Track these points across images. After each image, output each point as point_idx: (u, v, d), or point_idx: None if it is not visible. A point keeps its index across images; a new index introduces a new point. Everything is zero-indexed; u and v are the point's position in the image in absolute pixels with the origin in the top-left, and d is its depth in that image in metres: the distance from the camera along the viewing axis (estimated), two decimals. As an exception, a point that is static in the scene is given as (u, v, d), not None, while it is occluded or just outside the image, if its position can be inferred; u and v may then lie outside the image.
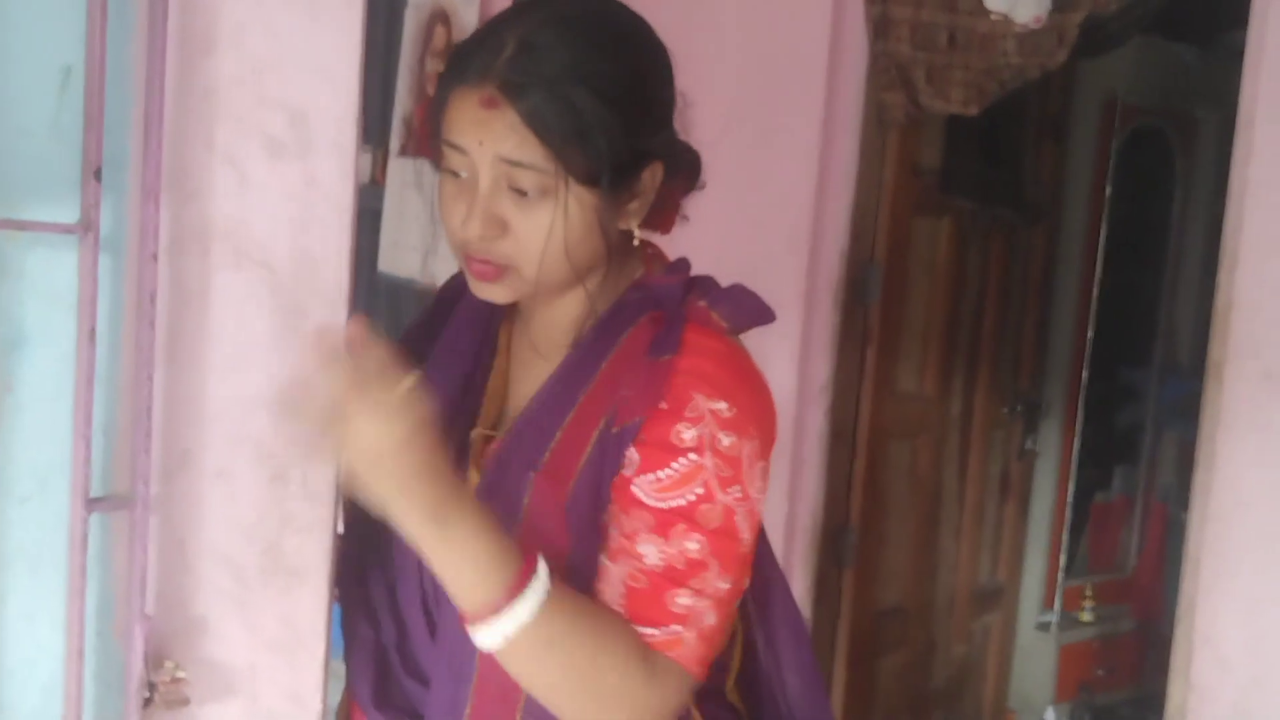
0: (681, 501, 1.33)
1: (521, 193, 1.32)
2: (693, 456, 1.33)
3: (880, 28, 3.24)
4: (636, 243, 1.46)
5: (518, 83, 1.30)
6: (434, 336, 1.56)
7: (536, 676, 1.33)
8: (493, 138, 1.30)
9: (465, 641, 1.37)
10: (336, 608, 1.46)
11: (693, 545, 1.33)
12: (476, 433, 1.47)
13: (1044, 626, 4.55)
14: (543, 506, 1.36)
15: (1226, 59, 4.40)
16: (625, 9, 1.42)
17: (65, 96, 1.27)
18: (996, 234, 4.11)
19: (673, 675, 1.34)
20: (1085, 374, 4.49)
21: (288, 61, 1.36)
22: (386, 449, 1.23)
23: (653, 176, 1.41)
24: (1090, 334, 4.45)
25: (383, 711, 1.49)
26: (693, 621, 1.34)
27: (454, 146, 1.33)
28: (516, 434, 1.41)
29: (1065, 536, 4.54)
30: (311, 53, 1.37)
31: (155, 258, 1.29)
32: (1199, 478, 2.42)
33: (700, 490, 1.33)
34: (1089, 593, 4.66)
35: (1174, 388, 4.71)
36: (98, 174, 1.25)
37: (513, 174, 1.32)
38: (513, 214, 1.33)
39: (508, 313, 1.54)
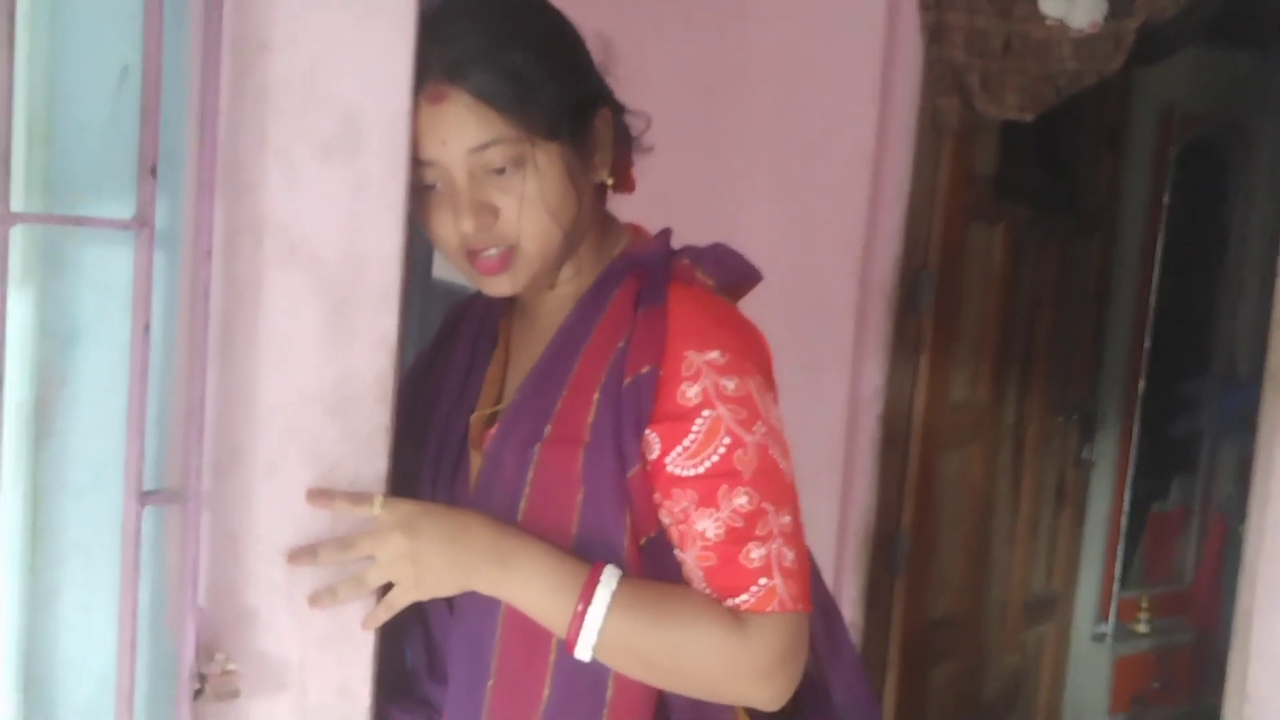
0: (715, 458, 1.35)
1: (498, 171, 1.38)
2: (706, 413, 1.35)
3: (935, 33, 3.22)
4: (610, 189, 1.51)
5: (456, 65, 1.37)
6: (438, 355, 1.60)
7: (636, 668, 1.38)
8: (454, 132, 1.36)
9: (483, 643, 1.41)
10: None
11: (741, 500, 1.35)
12: (476, 416, 1.49)
13: (1099, 638, 4.51)
14: (552, 475, 1.39)
15: (1285, 66, 4.37)
16: None
17: (122, 94, 1.29)
18: (1052, 242, 4.08)
19: (777, 626, 1.37)
20: (1142, 383, 4.45)
21: (341, 61, 1.37)
22: (415, 550, 1.37)
23: (604, 122, 1.47)
24: (1147, 343, 4.42)
25: (401, 707, 1.50)
26: (774, 568, 1.36)
27: (421, 162, 1.38)
28: (516, 409, 1.44)
29: (1121, 547, 4.50)
30: (364, 52, 1.38)
31: (209, 254, 1.31)
32: (1256, 488, 2.40)
33: (728, 440, 1.35)
34: (1145, 604, 4.61)
35: (1232, 398, 4.65)
36: (153, 171, 1.26)
37: (484, 158, 1.37)
38: (496, 195, 1.38)
39: (504, 309, 1.57)
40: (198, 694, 1.35)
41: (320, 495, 1.38)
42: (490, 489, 1.43)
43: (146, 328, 1.28)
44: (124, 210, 1.27)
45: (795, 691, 1.53)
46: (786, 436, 1.43)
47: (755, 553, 1.35)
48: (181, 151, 1.32)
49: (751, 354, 1.42)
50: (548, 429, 1.40)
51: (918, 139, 3.36)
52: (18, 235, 1.24)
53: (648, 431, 1.37)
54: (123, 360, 1.29)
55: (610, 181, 1.50)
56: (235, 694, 1.37)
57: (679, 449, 1.36)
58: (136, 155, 1.27)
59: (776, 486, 1.38)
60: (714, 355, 1.37)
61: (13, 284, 1.23)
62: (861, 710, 1.60)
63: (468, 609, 1.44)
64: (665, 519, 1.40)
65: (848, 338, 3.33)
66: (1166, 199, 4.37)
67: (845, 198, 3.31)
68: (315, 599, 1.39)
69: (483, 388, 1.53)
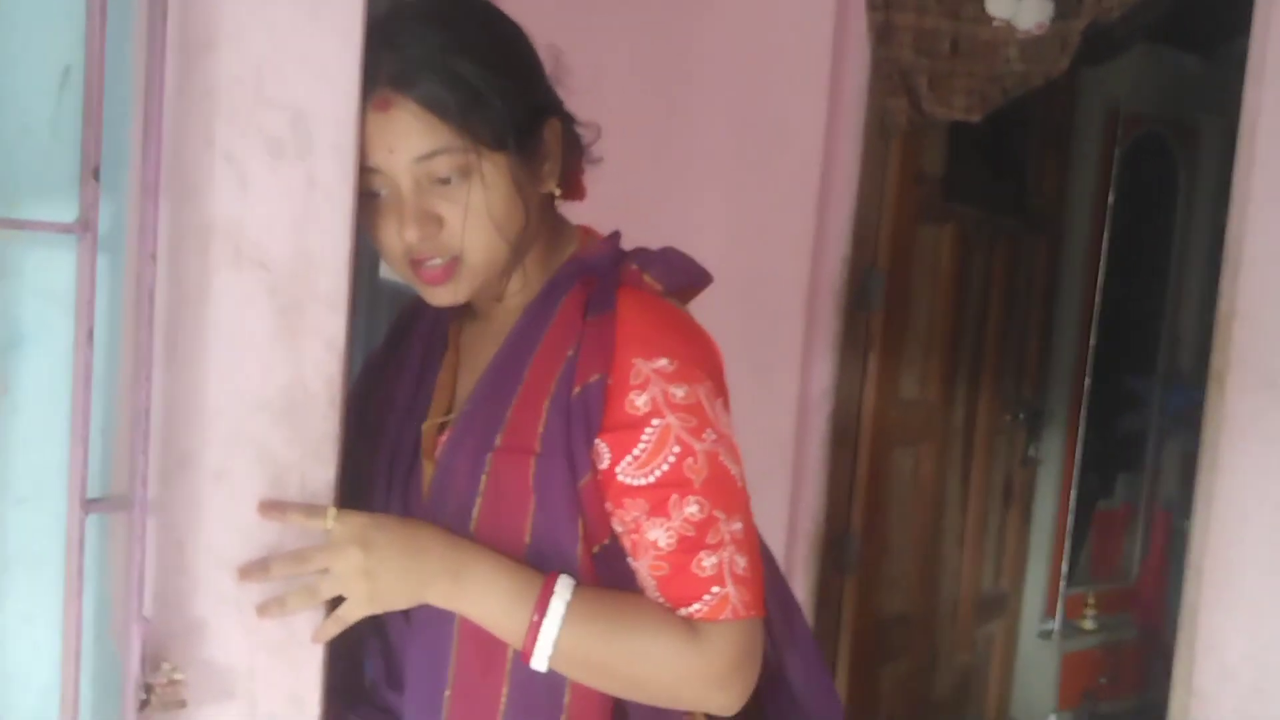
0: (665, 467, 1.35)
1: (443, 181, 1.37)
2: (655, 421, 1.35)
3: (883, 34, 3.24)
4: (559, 199, 1.51)
5: (403, 73, 1.35)
6: (391, 357, 1.59)
7: (593, 677, 1.39)
8: (400, 140, 1.35)
9: (439, 653, 1.40)
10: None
11: (692, 509, 1.35)
12: (428, 424, 1.49)
13: (1046, 635, 4.55)
14: (503, 484, 1.38)
15: (1229, 67, 4.41)
16: None
17: (64, 96, 1.26)
18: (1000, 242, 4.11)
19: (730, 634, 1.37)
20: (1088, 382, 4.49)
21: (288, 61, 1.35)
22: (368, 565, 1.36)
23: (553, 133, 1.46)
24: (1093, 342, 4.46)
25: (360, 714, 1.49)
26: (725, 575, 1.36)
27: (368, 169, 1.38)
28: (467, 417, 1.43)
29: (1068, 545, 4.54)
30: (312, 53, 1.36)
31: (154, 258, 1.29)
32: (1201, 486, 2.42)
33: (677, 449, 1.35)
34: (1091, 601, 4.65)
35: (1177, 396, 4.70)
36: (96, 173, 1.24)
37: (430, 167, 1.36)
38: (441, 205, 1.37)
39: (455, 313, 1.56)
40: (144, 704, 1.33)
41: (272, 507, 1.36)
42: (443, 497, 1.42)
43: (90, 333, 1.26)
44: (66, 213, 1.25)
45: (758, 694, 1.53)
46: (737, 441, 1.43)
47: (707, 561, 1.36)
48: (125, 153, 1.30)
49: (701, 360, 1.41)
50: (498, 438, 1.39)
51: (866, 139, 3.37)
52: (-43, 239, 1.22)
53: (597, 441, 1.37)
54: (66, 366, 1.27)
55: (558, 192, 1.49)
56: (182, 704, 1.35)
57: (629, 458, 1.36)
58: (79, 157, 1.25)
59: (727, 493, 1.38)
60: (662, 363, 1.37)
61: (-48, 289, 1.21)
62: (821, 697, 1.60)
63: (424, 620, 1.43)
64: (618, 527, 1.39)
65: (797, 337, 3.33)
66: (1112, 198, 4.41)
67: (794, 198, 3.32)
68: (264, 609, 1.37)
69: (434, 394, 1.52)
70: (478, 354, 1.52)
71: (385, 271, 3.60)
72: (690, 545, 1.35)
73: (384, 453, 1.50)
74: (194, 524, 1.36)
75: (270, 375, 1.39)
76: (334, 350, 1.42)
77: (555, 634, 1.33)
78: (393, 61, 1.36)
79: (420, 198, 1.37)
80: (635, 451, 1.36)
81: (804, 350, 3.35)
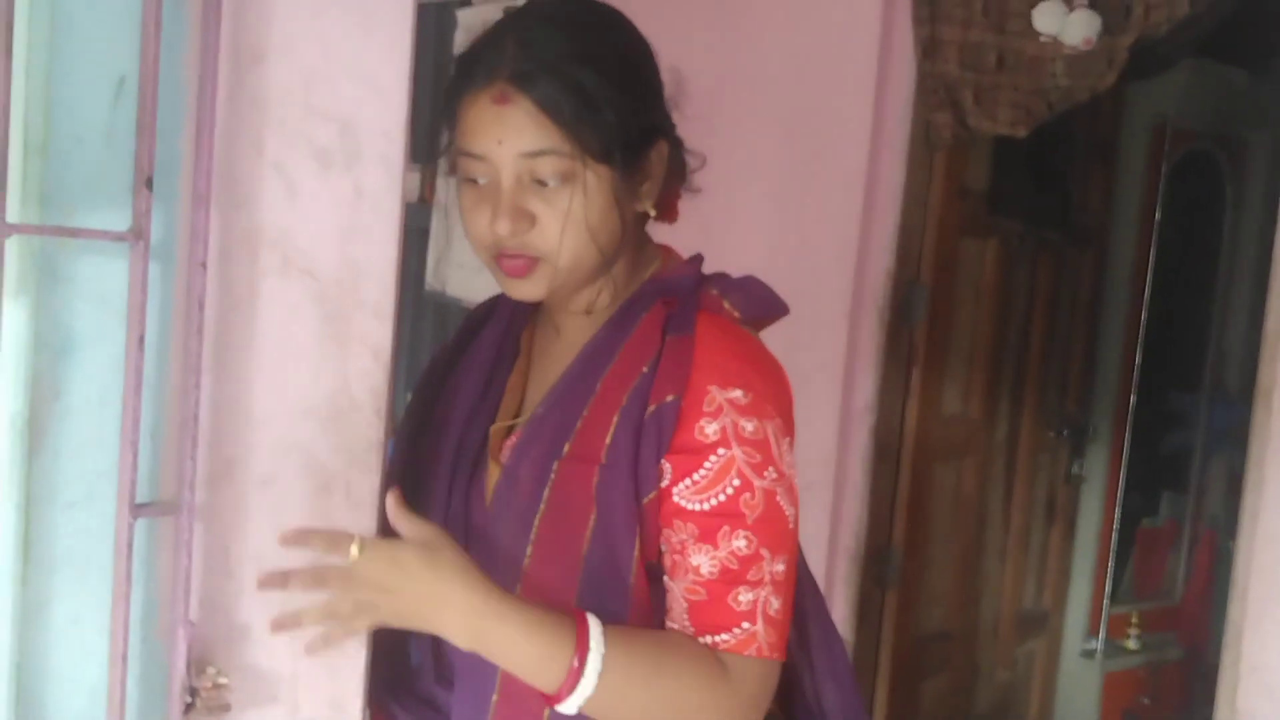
0: (722, 497, 1.35)
1: (543, 183, 1.38)
2: (721, 451, 1.35)
3: (929, 48, 3.23)
4: (651, 218, 1.51)
5: (526, 72, 1.36)
6: (460, 356, 1.59)
7: (624, 716, 1.36)
8: (511, 134, 1.36)
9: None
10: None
11: (740, 544, 1.35)
12: (496, 426, 1.49)
13: (1089, 653, 4.51)
14: (568, 493, 1.39)
15: (1277, 82, 4.38)
16: (603, 4, 1.49)
17: (119, 105, 1.28)
18: (1044, 257, 4.09)
19: (752, 670, 1.37)
20: (1133, 399, 4.45)
21: (338, 72, 1.37)
22: (385, 606, 1.32)
23: (659, 156, 1.47)
24: (1138, 359, 4.42)
25: (407, 709, 1.50)
26: (758, 614, 1.37)
27: (472, 155, 1.39)
28: (537, 421, 1.44)
29: (1111, 563, 4.50)
30: (361, 65, 1.38)
31: (204, 265, 1.30)
32: (1247, 504, 2.40)
33: (737, 482, 1.35)
34: (1135, 620, 4.61)
35: (1223, 413, 4.66)
36: (149, 182, 1.26)
37: (533, 166, 1.37)
38: (537, 205, 1.38)
39: (530, 317, 1.57)
40: (189, 708, 1.34)
41: (297, 535, 1.33)
42: (507, 500, 1.42)
43: (141, 339, 1.27)
44: (119, 222, 1.27)
45: (788, 706, 1.53)
46: (797, 481, 1.43)
47: (744, 596, 1.36)
48: (177, 162, 1.31)
49: (774, 396, 1.42)
50: (567, 447, 1.40)
51: (910, 153, 3.36)
52: (13, 246, 1.23)
53: (662, 460, 1.37)
54: (117, 372, 1.29)
55: (653, 212, 1.49)
56: (226, 708, 1.37)
57: (688, 481, 1.36)
58: (132, 166, 1.27)
59: (777, 534, 1.38)
60: (736, 394, 1.37)
61: (7, 295, 1.23)
62: (849, 708, 1.60)
63: None
64: (662, 546, 1.40)
65: (840, 351, 3.33)
66: (1158, 214, 4.38)
67: (838, 211, 3.31)
68: (278, 624, 1.34)
69: (503, 397, 1.53)
70: (550, 362, 1.52)
71: (430, 282, 3.62)
72: (731, 578, 1.36)
73: (447, 450, 1.51)
74: (240, 529, 1.38)
75: (316, 383, 1.40)
76: (380, 359, 1.43)
77: (590, 691, 1.31)
78: (518, 58, 1.37)
79: (518, 193, 1.39)
80: (695, 476, 1.36)
81: (846, 364, 3.34)
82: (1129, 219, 4.42)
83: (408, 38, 1.39)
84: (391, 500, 1.34)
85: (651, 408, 1.37)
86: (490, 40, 1.41)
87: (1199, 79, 4.36)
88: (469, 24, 3.33)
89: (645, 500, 1.37)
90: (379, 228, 1.41)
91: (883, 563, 3.53)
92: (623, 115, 1.39)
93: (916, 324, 3.48)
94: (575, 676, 1.31)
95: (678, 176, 1.53)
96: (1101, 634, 4.51)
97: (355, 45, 1.38)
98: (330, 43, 1.36)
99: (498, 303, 1.63)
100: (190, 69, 1.30)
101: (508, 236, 1.38)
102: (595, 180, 1.39)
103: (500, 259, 1.41)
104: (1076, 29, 3.03)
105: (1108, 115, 4.25)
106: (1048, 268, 4.12)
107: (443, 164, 1.48)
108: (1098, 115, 4.14)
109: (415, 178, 3.36)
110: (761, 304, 1.52)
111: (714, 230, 1.61)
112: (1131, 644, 4.60)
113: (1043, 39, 3.09)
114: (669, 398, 1.37)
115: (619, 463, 1.37)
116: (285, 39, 1.34)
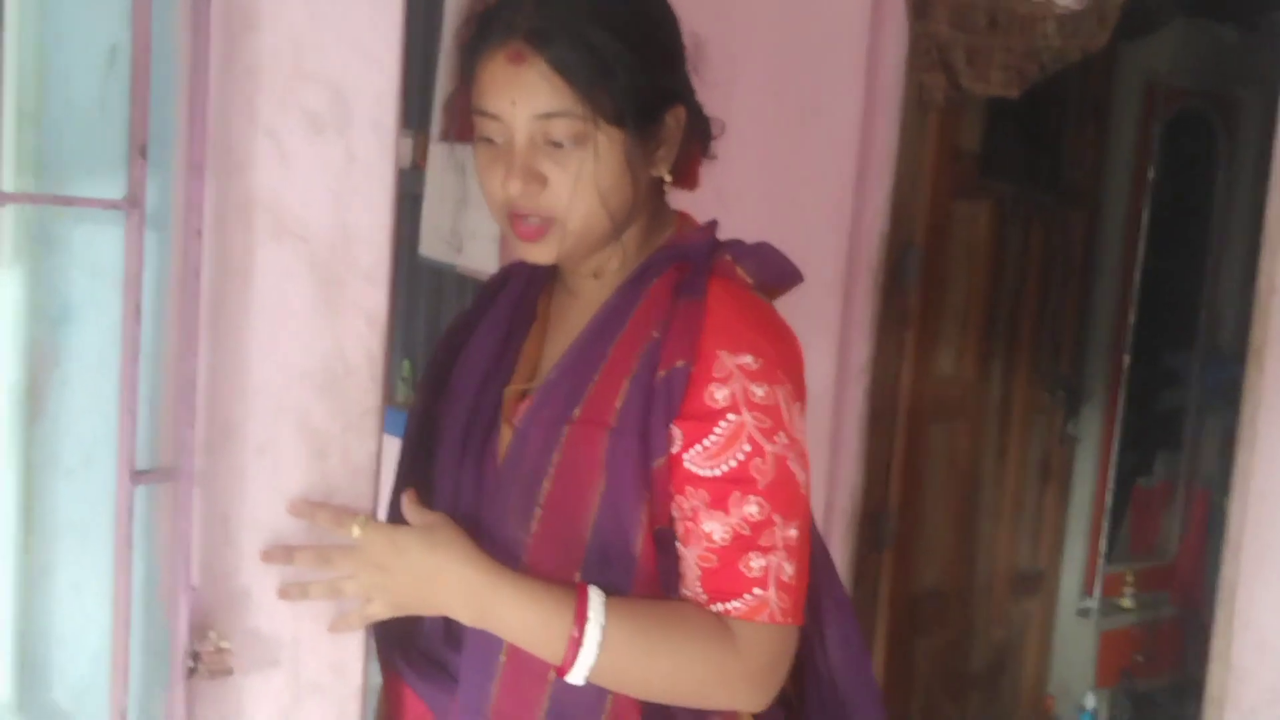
0: (733, 463, 1.35)
1: (557, 145, 1.38)
2: (731, 416, 1.35)
3: (920, 9, 3.23)
4: (667, 188, 1.51)
5: (542, 30, 1.35)
6: (477, 321, 1.60)
7: (631, 687, 1.39)
8: (525, 94, 1.36)
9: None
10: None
11: (752, 509, 1.36)
12: (510, 389, 1.50)
13: (1084, 612, 4.53)
14: (577, 457, 1.39)
15: (1270, 39, 4.37)
16: None
17: (112, 74, 1.28)
18: (1037, 217, 4.09)
19: (763, 637, 1.38)
20: (1126, 359, 4.46)
21: (329, 37, 1.37)
22: (388, 584, 1.40)
23: (676, 120, 1.46)
24: (1132, 318, 4.42)
25: (416, 669, 1.51)
26: (770, 580, 1.37)
27: (487, 114, 1.39)
28: (550, 386, 1.44)
29: (1106, 522, 4.52)
30: (352, 29, 1.38)
31: (199, 233, 1.31)
32: (1240, 462, 2.42)
33: (748, 448, 1.35)
34: (1130, 579, 4.63)
35: (1216, 372, 4.67)
36: (143, 150, 1.26)
37: (547, 127, 1.37)
38: (550, 167, 1.38)
39: (545, 284, 1.57)
40: (191, 672, 1.35)
41: (303, 507, 1.40)
42: (517, 463, 1.43)
43: (137, 307, 1.28)
44: (114, 190, 1.27)
45: (799, 677, 1.54)
46: (808, 445, 1.43)
47: (755, 562, 1.36)
48: (171, 131, 1.31)
49: (785, 362, 1.42)
50: (577, 411, 1.40)
51: (903, 115, 3.36)
52: (8, 215, 1.24)
53: (673, 425, 1.37)
54: (114, 340, 1.29)
55: (669, 178, 1.49)
56: (228, 671, 1.38)
57: (698, 447, 1.36)
58: (126, 135, 1.27)
59: (789, 499, 1.38)
60: (747, 359, 1.37)
61: (3, 264, 1.23)
62: (863, 695, 1.61)
63: None
64: (674, 512, 1.40)
65: (834, 314, 3.33)
66: (1151, 173, 4.37)
67: (831, 174, 3.31)
68: (285, 592, 1.41)
69: (519, 361, 1.54)
70: (565, 326, 1.52)
71: (425, 249, 3.62)
72: (743, 544, 1.36)
73: (461, 413, 1.51)
74: (238, 495, 1.39)
75: (311, 348, 1.41)
76: (375, 324, 1.44)
77: (592, 661, 1.34)
78: (534, 16, 1.36)
79: (531, 154, 1.38)
80: (705, 442, 1.36)
81: (841, 326, 3.35)
82: (1122, 179, 4.42)
83: (399, 1, 1.39)
84: (406, 500, 1.43)
85: (662, 373, 1.37)
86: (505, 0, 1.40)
87: (1190, 37, 4.35)
88: (460, -11, 3.31)
89: (655, 465, 1.37)
90: (372, 193, 1.41)
91: (878, 523, 3.55)
92: (636, 78, 1.38)
93: (910, 287, 3.48)
94: (575, 647, 1.34)
95: (698, 142, 1.52)
96: (1096, 593, 4.53)
97: (346, 9, 1.37)
98: (321, 7, 1.36)
99: (514, 270, 1.63)
100: (182, 36, 1.30)
101: (519, 197, 1.39)
102: (608, 143, 1.38)
103: (514, 221, 1.42)
104: (1068, -12, 3.03)
105: (1099, 75, 4.24)
106: (1041, 229, 4.13)
107: (434, 130, 1.48)
108: (1089, 74, 4.14)
109: (408, 143, 3.35)
110: (775, 271, 1.52)
111: (705, 193, 1.60)
112: (1126, 602, 4.63)
113: (1034, -1, 3.09)
114: (679, 363, 1.37)
115: (629, 427, 1.37)
116: (275, 4, 1.34)
